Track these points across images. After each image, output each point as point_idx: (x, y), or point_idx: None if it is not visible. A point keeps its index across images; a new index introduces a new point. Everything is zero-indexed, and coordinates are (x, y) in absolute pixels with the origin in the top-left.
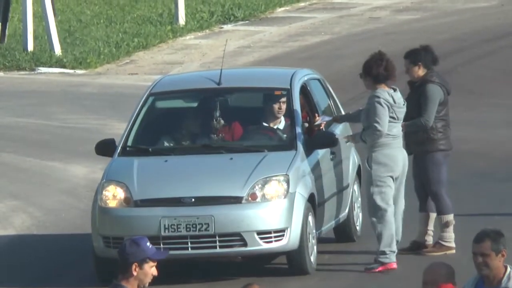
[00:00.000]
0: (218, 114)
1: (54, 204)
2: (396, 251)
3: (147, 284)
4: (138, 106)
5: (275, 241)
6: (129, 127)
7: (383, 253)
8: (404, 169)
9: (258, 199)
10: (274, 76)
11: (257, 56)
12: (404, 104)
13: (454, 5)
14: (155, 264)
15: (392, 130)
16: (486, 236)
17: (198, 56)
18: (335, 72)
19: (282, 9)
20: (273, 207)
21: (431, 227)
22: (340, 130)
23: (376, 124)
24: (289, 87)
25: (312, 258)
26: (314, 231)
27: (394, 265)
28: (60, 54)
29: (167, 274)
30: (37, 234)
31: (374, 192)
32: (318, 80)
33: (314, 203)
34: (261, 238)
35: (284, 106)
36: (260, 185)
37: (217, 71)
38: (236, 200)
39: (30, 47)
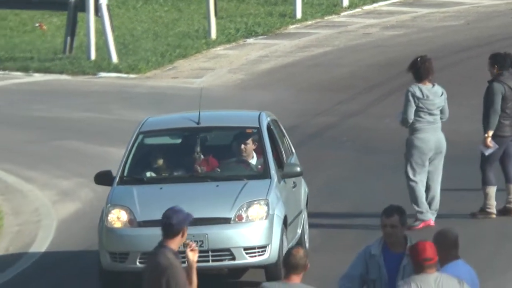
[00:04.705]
0: (198, 148)
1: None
2: (428, 211)
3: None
4: (130, 142)
5: (259, 255)
6: (124, 160)
7: (421, 212)
8: (438, 149)
9: (244, 220)
10: (244, 117)
11: (273, 64)
12: (440, 95)
13: (430, 23)
14: None
15: (425, 118)
16: (394, 212)
17: (226, 63)
18: (335, 77)
19: (294, 26)
20: (256, 226)
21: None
22: (294, 160)
23: (402, 111)
24: (258, 126)
25: None
26: (287, 247)
27: (432, 222)
28: (117, 62)
29: None
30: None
31: (407, 168)
32: (276, 121)
33: (286, 223)
34: (247, 253)
35: (248, 147)
36: (245, 208)
37: (196, 113)
38: (226, 220)
39: (93, 56)
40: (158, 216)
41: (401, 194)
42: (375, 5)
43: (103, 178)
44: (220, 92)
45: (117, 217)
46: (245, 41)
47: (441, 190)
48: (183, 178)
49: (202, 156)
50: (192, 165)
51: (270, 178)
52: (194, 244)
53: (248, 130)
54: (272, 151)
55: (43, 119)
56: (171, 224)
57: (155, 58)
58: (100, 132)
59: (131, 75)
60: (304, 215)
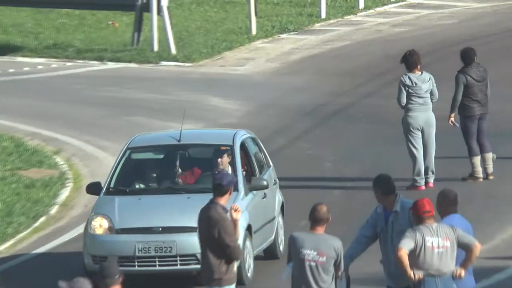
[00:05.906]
0: (178, 163)
1: None
2: (424, 178)
3: None
4: (119, 157)
5: None
6: (111, 172)
7: (415, 180)
8: (427, 125)
9: None
10: (220, 135)
11: (303, 55)
12: (427, 81)
13: (430, 22)
14: None
15: (416, 100)
16: (373, 182)
17: (264, 54)
18: (353, 65)
19: (319, 24)
20: None
21: (485, 164)
22: (268, 175)
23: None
24: (231, 144)
25: (249, 273)
26: (251, 252)
27: (422, 187)
28: (175, 53)
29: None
30: None
31: (406, 140)
32: (253, 138)
33: (251, 231)
34: None
35: (223, 160)
36: None
37: (178, 131)
38: (193, 229)
39: (156, 48)
40: (134, 224)
41: (405, 160)
42: (385, 7)
43: (93, 188)
44: (259, 78)
45: (99, 225)
46: (279, 36)
47: (439, 158)
48: (161, 190)
49: (180, 170)
50: (172, 178)
51: (238, 190)
52: (237, 206)
53: (223, 147)
54: (246, 165)
55: (115, 99)
56: (221, 184)
57: (206, 50)
58: (161, 109)
59: (187, 64)
60: (278, 221)
